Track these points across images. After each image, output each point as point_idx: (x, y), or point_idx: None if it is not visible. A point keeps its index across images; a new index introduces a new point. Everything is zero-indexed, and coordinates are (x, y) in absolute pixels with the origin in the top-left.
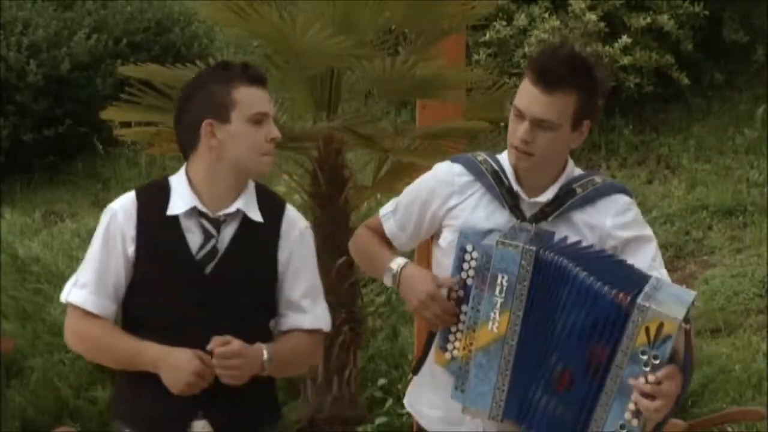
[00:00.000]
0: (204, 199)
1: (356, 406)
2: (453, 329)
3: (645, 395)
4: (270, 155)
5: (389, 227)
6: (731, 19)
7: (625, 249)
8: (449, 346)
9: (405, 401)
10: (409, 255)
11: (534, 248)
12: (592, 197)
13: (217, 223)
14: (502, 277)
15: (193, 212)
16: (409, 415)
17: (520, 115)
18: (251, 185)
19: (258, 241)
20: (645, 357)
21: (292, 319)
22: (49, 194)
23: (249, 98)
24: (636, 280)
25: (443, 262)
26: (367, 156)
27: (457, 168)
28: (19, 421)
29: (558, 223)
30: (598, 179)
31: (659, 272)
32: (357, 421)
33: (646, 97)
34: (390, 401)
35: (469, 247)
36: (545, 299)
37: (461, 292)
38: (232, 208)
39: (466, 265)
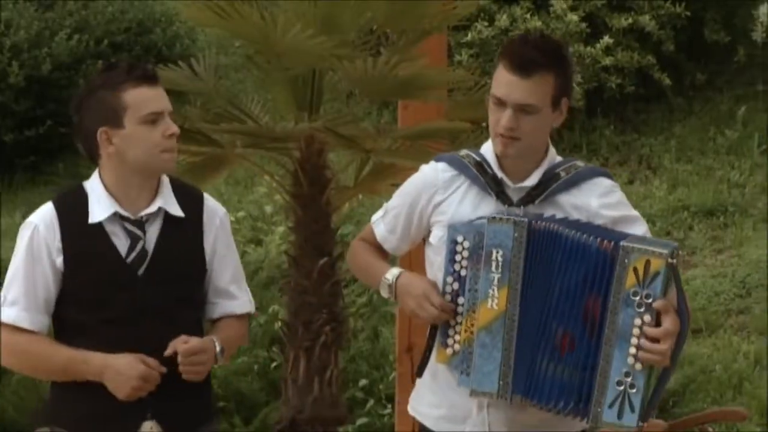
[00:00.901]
0: (122, 203)
1: (337, 407)
2: (452, 323)
3: (649, 339)
4: (171, 151)
5: (379, 232)
6: (713, 20)
7: (614, 228)
8: (449, 341)
9: (408, 407)
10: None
11: (526, 219)
12: (575, 180)
13: (141, 224)
14: (497, 252)
15: (115, 217)
16: (390, 415)
17: (501, 104)
18: (166, 181)
19: (184, 236)
20: (637, 298)
21: (222, 306)
22: (31, 195)
23: (139, 100)
24: (620, 234)
25: (436, 260)
26: (349, 156)
27: (441, 165)
28: (0, 421)
29: (545, 206)
30: (579, 163)
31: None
32: (338, 422)
33: (628, 98)
34: (371, 402)
35: (459, 239)
36: (541, 268)
37: (456, 285)
38: (152, 208)
39: (458, 257)
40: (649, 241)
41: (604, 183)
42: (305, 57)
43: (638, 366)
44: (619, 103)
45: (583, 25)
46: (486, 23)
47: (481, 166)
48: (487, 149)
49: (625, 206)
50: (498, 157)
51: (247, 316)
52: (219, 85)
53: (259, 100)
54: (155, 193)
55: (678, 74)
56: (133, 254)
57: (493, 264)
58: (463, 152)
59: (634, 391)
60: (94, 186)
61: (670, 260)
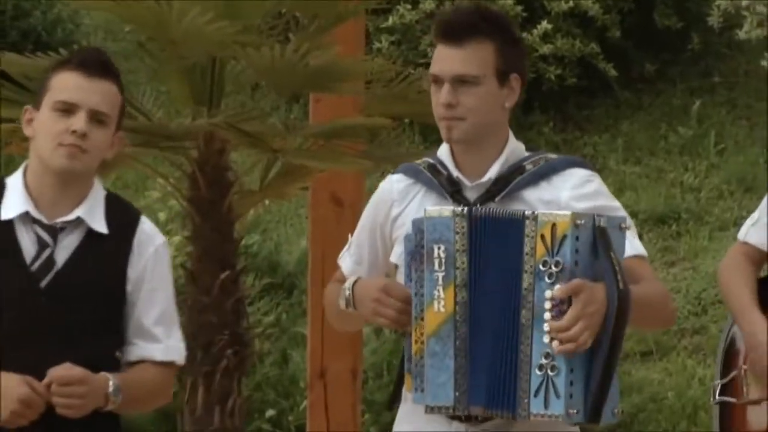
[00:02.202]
0: (39, 204)
1: None
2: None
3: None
4: (66, 148)
5: (346, 266)
6: (664, 3)
7: None
8: (413, 355)
9: None
10: None
11: (465, 208)
12: (545, 172)
13: (54, 231)
14: (438, 249)
15: (27, 217)
16: None
17: (438, 81)
18: (98, 193)
19: (104, 255)
20: (546, 268)
21: (142, 349)
22: None
23: (61, 84)
24: None
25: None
26: (254, 157)
27: (395, 176)
28: None
29: (508, 203)
30: (551, 155)
31: (635, 249)
32: None
33: (569, 91)
34: None
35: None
36: (486, 259)
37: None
38: (71, 216)
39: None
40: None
41: (578, 173)
42: (204, 44)
43: (555, 344)
44: (559, 96)
45: (519, 8)
46: (409, 6)
47: (435, 167)
48: (444, 150)
49: (603, 196)
50: (453, 154)
51: (170, 367)
52: None
53: (152, 93)
54: (80, 201)
55: (625, 64)
56: (38, 262)
57: (436, 262)
58: (421, 159)
59: (555, 374)
60: (15, 181)
61: (578, 221)
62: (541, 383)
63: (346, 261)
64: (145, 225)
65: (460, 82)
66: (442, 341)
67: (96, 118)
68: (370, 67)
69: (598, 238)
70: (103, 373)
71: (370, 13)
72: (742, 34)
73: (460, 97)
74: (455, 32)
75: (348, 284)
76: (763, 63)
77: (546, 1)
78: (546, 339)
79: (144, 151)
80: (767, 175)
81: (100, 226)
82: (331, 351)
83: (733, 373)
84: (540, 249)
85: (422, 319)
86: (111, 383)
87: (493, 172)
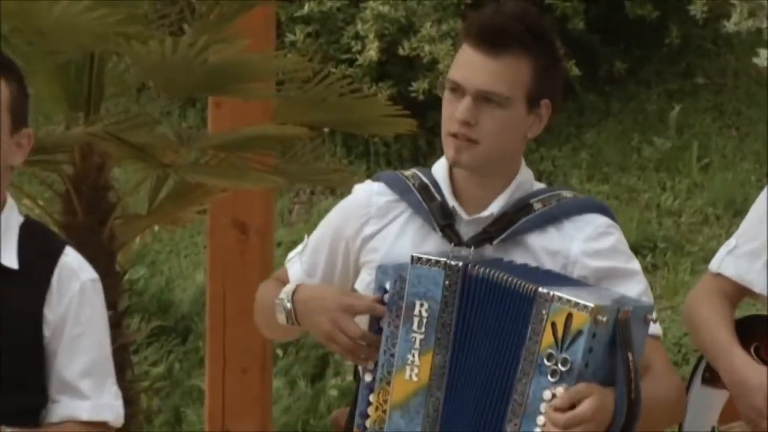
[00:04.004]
0: None
1: None
2: (373, 398)
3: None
4: None
5: (294, 273)
6: None
7: (597, 285)
8: (368, 423)
9: None
10: None
11: (460, 263)
12: (555, 216)
13: None
14: (421, 306)
15: None
16: None
17: (459, 90)
18: (14, 222)
19: (14, 292)
20: (551, 363)
21: (65, 407)
22: None
23: None
24: (567, 281)
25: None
26: (141, 173)
27: (377, 186)
28: None
29: (507, 248)
30: (566, 194)
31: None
32: None
33: None
34: None
35: (389, 285)
36: (477, 327)
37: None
38: None
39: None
40: (593, 289)
41: (595, 222)
42: (80, 37)
43: None
44: None
45: None
46: None
47: (428, 189)
48: (440, 168)
49: (619, 255)
50: (452, 178)
51: (102, 427)
52: None
53: None
54: None
55: (590, 62)
56: None
57: (415, 321)
58: (410, 172)
59: None
60: None
61: (599, 317)
62: None
63: (295, 267)
64: (69, 258)
65: (485, 99)
66: (409, 416)
67: None
68: (282, 65)
69: (619, 335)
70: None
71: None
72: (730, 26)
73: (480, 116)
74: (494, 39)
75: (287, 294)
76: (756, 61)
77: None
78: None
79: None
80: None
81: (9, 260)
82: (234, 409)
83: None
84: (547, 338)
85: (388, 383)
86: None
87: (495, 207)
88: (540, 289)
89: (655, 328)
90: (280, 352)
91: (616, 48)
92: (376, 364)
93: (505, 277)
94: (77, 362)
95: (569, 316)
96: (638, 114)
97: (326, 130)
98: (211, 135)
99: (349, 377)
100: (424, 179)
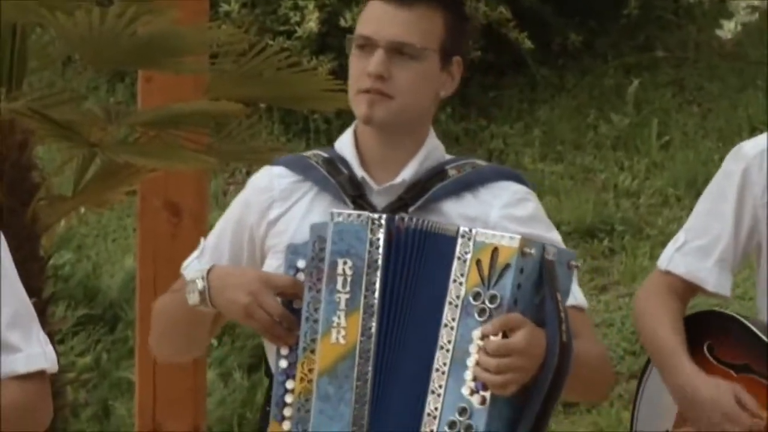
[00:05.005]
0: None
1: None
2: (290, 385)
3: (487, 362)
4: None
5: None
6: None
7: None
8: (287, 411)
9: None
10: None
11: (383, 216)
12: (471, 182)
13: None
14: (345, 264)
15: None
16: None
17: (369, 45)
18: None
19: None
20: (478, 302)
21: (1, 365)
22: None
23: None
24: None
25: None
26: (66, 152)
27: (277, 170)
28: None
29: (423, 216)
30: (480, 162)
31: (575, 297)
32: None
33: (473, 68)
34: None
35: (301, 264)
36: (407, 282)
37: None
38: None
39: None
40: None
41: (512, 189)
42: (1, 7)
43: (476, 400)
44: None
45: None
46: None
47: (333, 163)
48: (345, 142)
49: (540, 224)
50: (359, 148)
51: (40, 377)
52: None
53: None
54: None
55: (543, 34)
56: None
57: (339, 280)
58: (310, 152)
59: None
60: None
61: (527, 249)
62: None
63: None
64: None
65: (398, 52)
66: (338, 382)
67: None
68: (216, 37)
69: (545, 275)
70: None
71: None
72: None
73: (394, 69)
74: None
75: (200, 273)
76: (719, 33)
77: None
78: (465, 390)
79: None
80: None
81: None
82: (165, 402)
83: None
84: (473, 278)
85: (312, 351)
86: None
87: (407, 174)
88: (462, 228)
89: (580, 299)
90: (214, 341)
91: (571, 20)
92: (291, 349)
93: (428, 224)
94: (1, 315)
95: (495, 251)
96: (594, 89)
97: (263, 106)
98: (141, 111)
99: None
100: (327, 155)
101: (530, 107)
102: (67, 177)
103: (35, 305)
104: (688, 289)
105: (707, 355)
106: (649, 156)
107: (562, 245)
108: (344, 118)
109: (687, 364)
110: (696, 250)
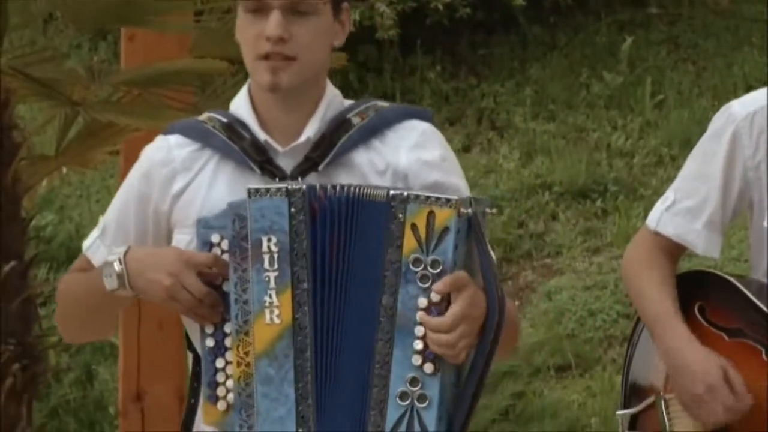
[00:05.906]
0: None
1: None
2: (219, 364)
3: (434, 327)
4: None
5: (100, 258)
6: None
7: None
8: (220, 391)
9: None
10: None
11: (304, 186)
12: (377, 127)
13: None
14: (269, 241)
15: None
16: None
17: (261, 9)
18: None
19: None
20: (419, 268)
21: None
22: None
23: None
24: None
25: None
26: (48, 111)
27: (174, 138)
28: None
29: (334, 172)
30: (382, 103)
31: None
32: None
33: (461, 25)
34: None
35: (215, 238)
36: (340, 255)
37: (220, 307)
38: None
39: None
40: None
41: (418, 128)
42: None
43: (428, 368)
44: (449, 33)
45: None
46: None
47: (232, 128)
48: (241, 103)
49: (451, 168)
50: (256, 109)
51: None
52: None
53: None
54: None
55: None
56: None
57: (266, 258)
58: (205, 115)
59: (424, 405)
60: None
61: (463, 210)
62: (402, 415)
63: (100, 251)
64: None
65: (293, 11)
66: (278, 362)
67: None
68: None
69: (477, 230)
70: None
71: None
72: None
73: (292, 29)
74: None
75: (116, 255)
76: None
77: None
78: (416, 360)
79: None
80: None
81: None
82: (150, 367)
83: (648, 401)
84: (409, 243)
85: (246, 333)
86: None
87: (311, 131)
88: (392, 192)
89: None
90: None
91: None
92: (216, 327)
93: (353, 190)
94: None
95: (431, 214)
96: (586, 47)
97: None
98: (124, 70)
99: None
100: (225, 119)
101: (521, 66)
102: (49, 136)
103: (16, 269)
104: (677, 247)
105: (698, 317)
106: (642, 115)
107: (468, 191)
108: (331, 77)
109: (678, 328)
110: (685, 212)
